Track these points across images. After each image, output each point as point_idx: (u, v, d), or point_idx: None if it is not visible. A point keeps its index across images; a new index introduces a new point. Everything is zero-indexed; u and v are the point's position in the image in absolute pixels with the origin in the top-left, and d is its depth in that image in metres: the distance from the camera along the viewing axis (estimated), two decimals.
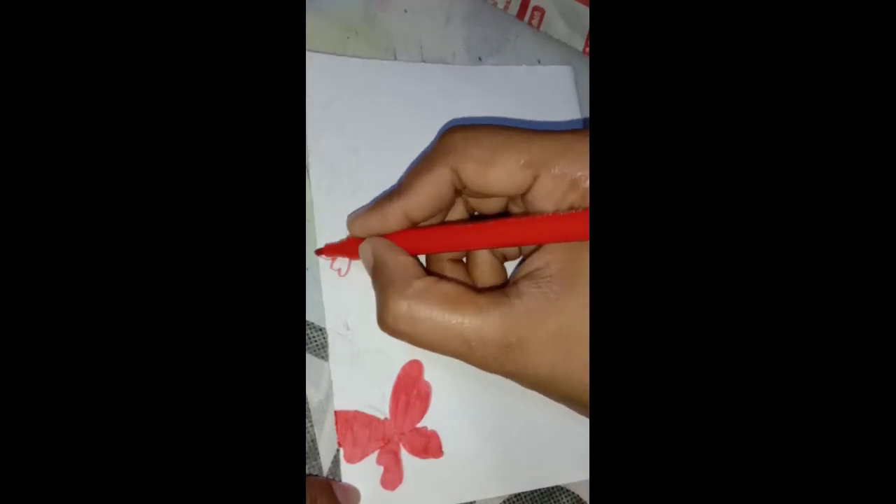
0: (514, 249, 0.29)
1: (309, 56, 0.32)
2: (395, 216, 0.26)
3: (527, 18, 0.38)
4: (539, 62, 0.36)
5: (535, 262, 0.24)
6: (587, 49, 0.39)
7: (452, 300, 0.23)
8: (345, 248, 0.29)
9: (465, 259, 0.29)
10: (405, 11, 0.35)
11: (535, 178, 0.24)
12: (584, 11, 0.39)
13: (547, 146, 0.24)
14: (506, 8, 0.38)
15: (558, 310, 0.22)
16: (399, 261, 0.25)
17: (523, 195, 0.25)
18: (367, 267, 0.27)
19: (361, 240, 0.27)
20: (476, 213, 0.29)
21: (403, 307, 0.23)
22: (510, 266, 0.30)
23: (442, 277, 0.25)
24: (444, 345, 0.24)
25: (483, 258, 0.28)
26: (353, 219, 0.28)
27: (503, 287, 0.24)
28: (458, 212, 0.28)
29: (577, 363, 0.22)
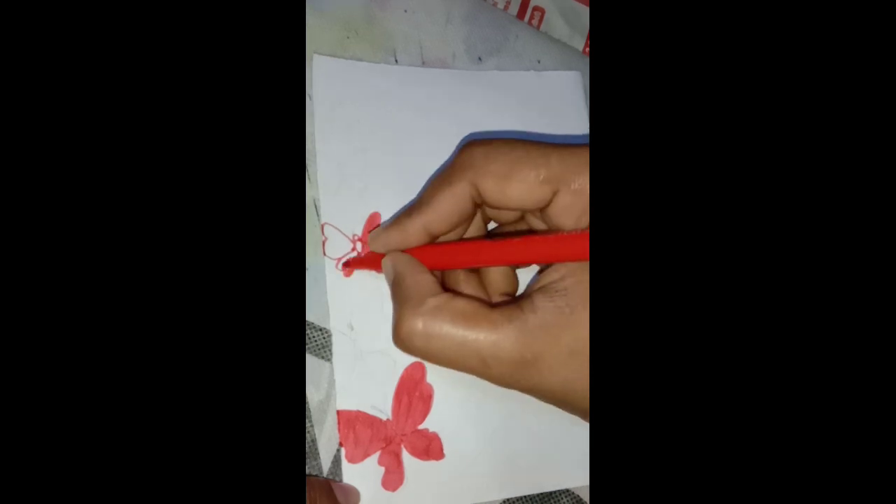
0: None
1: (317, 59, 0.32)
2: (415, 231, 0.26)
3: (527, 18, 0.38)
4: (539, 62, 0.36)
5: (550, 275, 0.23)
6: (587, 49, 0.39)
7: (467, 317, 0.23)
8: (368, 262, 0.29)
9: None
10: (405, 11, 0.35)
11: (554, 194, 0.24)
12: (584, 11, 0.39)
13: (566, 161, 0.24)
14: (506, 8, 0.38)
15: (573, 324, 0.22)
16: (416, 278, 0.25)
17: (543, 209, 0.25)
18: (388, 282, 0.26)
19: (383, 254, 0.27)
20: (494, 225, 0.29)
21: (418, 324, 0.23)
22: (522, 273, 0.29)
23: (457, 294, 0.24)
24: (459, 362, 0.23)
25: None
26: (374, 235, 0.28)
27: (517, 300, 0.24)
28: (475, 222, 0.28)
29: None
